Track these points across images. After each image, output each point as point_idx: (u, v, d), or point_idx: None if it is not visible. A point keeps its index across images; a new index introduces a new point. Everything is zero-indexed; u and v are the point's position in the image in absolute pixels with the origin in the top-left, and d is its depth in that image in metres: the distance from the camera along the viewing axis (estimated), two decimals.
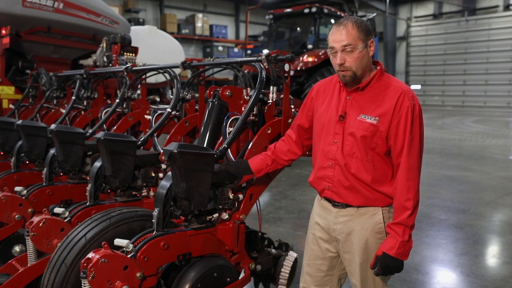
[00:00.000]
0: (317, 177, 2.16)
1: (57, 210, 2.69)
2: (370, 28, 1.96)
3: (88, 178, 2.91)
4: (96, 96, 4.61)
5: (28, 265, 2.57)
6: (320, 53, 9.95)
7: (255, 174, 2.31)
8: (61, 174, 3.32)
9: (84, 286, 1.89)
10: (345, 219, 2.09)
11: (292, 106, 2.62)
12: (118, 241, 2.07)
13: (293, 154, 2.32)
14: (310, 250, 2.27)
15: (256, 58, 2.65)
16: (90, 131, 3.64)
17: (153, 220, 2.16)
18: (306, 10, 10.84)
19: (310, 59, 9.90)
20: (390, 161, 2.02)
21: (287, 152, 2.31)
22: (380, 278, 2.10)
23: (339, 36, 1.93)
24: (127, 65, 3.94)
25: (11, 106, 5.79)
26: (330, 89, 2.15)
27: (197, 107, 3.45)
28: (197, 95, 3.45)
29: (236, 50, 23.48)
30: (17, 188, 3.13)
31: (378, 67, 2.05)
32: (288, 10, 11.59)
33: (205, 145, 2.58)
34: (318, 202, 2.25)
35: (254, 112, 2.56)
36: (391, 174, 2.03)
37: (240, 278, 2.45)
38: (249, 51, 14.68)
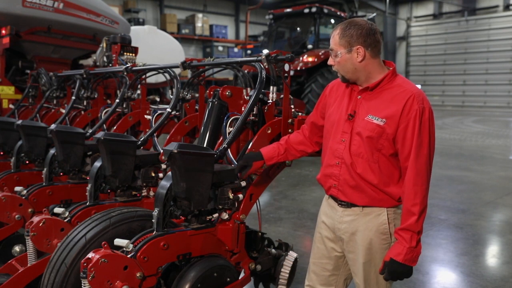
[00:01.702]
0: (324, 174, 2.16)
1: (57, 210, 2.69)
2: (361, 34, 1.94)
3: (88, 178, 2.91)
4: (96, 96, 4.61)
5: (28, 265, 2.57)
6: (320, 53, 9.95)
7: (266, 162, 2.29)
8: (61, 174, 3.32)
9: (84, 286, 1.89)
10: (350, 219, 2.09)
11: (292, 106, 2.62)
12: (118, 241, 2.07)
13: (306, 146, 2.33)
14: (316, 249, 2.28)
15: (256, 58, 2.65)
16: (90, 131, 3.64)
17: (153, 220, 2.16)
18: (306, 10, 10.83)
19: (310, 59, 9.90)
20: (397, 163, 2.00)
21: (301, 143, 2.33)
22: (384, 280, 2.08)
23: (330, 40, 2.05)
24: (127, 65, 3.94)
25: (11, 106, 5.80)
26: (343, 88, 2.16)
27: (197, 107, 3.45)
28: (197, 95, 3.46)
29: (236, 50, 23.48)
30: (17, 188, 3.13)
31: (391, 68, 2.05)
32: (288, 10, 11.58)
33: (205, 145, 2.58)
34: (326, 201, 2.25)
35: (254, 112, 2.56)
36: (398, 175, 2.02)
37: (240, 278, 2.45)
38: (249, 51, 14.67)
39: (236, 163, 2.43)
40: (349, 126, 2.05)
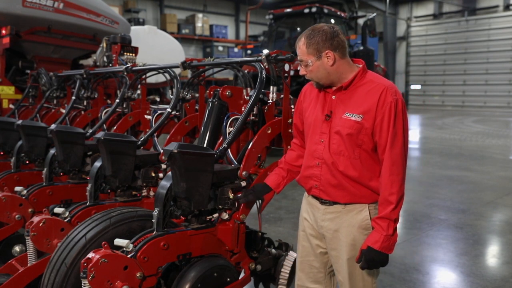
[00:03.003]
0: (304, 176, 2.19)
1: (57, 210, 2.69)
2: (327, 38, 1.97)
3: (88, 178, 2.91)
4: (96, 96, 4.61)
5: (28, 265, 2.57)
6: None
7: (275, 190, 2.34)
8: (61, 174, 3.32)
9: (84, 286, 1.89)
10: (332, 216, 2.12)
11: (292, 106, 2.62)
12: (118, 241, 2.07)
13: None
14: (302, 247, 2.30)
15: (256, 58, 2.65)
16: (90, 131, 3.65)
17: (153, 220, 2.16)
18: (306, 10, 10.83)
19: None
20: (378, 157, 2.05)
21: (297, 158, 2.33)
22: (369, 275, 2.12)
23: (297, 50, 2.07)
24: (127, 65, 3.94)
25: (11, 106, 5.80)
26: (316, 91, 2.18)
27: (197, 107, 3.45)
28: (197, 95, 3.46)
29: (236, 50, 23.44)
30: (17, 188, 3.13)
31: (360, 66, 2.08)
32: (288, 10, 11.58)
33: (205, 145, 2.58)
34: (306, 199, 2.28)
35: (254, 112, 2.56)
36: (379, 169, 2.05)
37: (240, 278, 2.45)
38: (249, 51, 14.65)
39: (236, 163, 2.44)
40: (327, 126, 2.08)
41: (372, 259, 1.97)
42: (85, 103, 4.61)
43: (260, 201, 2.40)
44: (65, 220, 2.64)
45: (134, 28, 10.15)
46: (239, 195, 2.35)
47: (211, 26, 24.11)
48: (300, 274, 2.32)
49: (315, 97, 2.17)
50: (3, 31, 6.09)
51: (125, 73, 3.93)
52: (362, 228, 2.07)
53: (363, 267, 2.01)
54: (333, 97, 2.08)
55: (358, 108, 1.99)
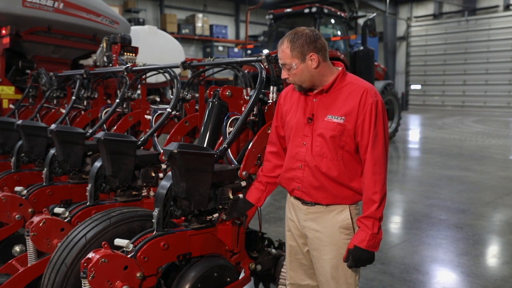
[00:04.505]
0: (286, 178, 2.19)
1: (57, 210, 2.69)
2: (310, 41, 1.97)
3: (88, 178, 2.91)
4: (96, 96, 4.61)
5: (28, 265, 2.58)
6: None
7: (256, 204, 2.34)
8: (61, 174, 3.32)
9: (84, 286, 1.89)
10: (314, 216, 2.14)
11: None
12: (118, 241, 2.07)
13: (281, 168, 2.30)
14: (290, 247, 2.31)
15: (256, 58, 2.66)
16: (90, 131, 3.65)
17: (153, 220, 2.17)
18: (306, 10, 10.84)
19: None
20: (360, 158, 2.07)
21: (274, 168, 2.31)
22: (352, 275, 2.13)
23: (279, 54, 2.07)
24: (127, 65, 3.94)
25: (11, 106, 5.80)
26: (297, 94, 2.19)
27: (197, 107, 3.45)
28: (197, 95, 3.46)
29: (236, 50, 23.44)
30: (17, 188, 3.13)
31: (340, 68, 2.09)
32: (288, 10, 11.58)
33: (205, 145, 2.58)
34: (289, 200, 2.29)
35: (254, 112, 2.56)
36: (361, 170, 2.07)
37: (240, 278, 2.45)
38: (249, 51, 14.65)
39: (236, 163, 2.44)
40: (309, 129, 2.09)
41: (359, 258, 2.00)
42: (85, 103, 4.61)
43: (244, 216, 2.40)
44: (65, 220, 2.64)
45: (134, 28, 10.15)
46: (239, 195, 2.35)
47: (211, 26, 24.11)
48: (291, 273, 2.33)
49: (296, 101, 2.18)
50: (3, 31, 6.10)
51: (125, 73, 3.93)
52: (343, 228, 2.09)
53: (351, 266, 2.03)
54: (315, 100, 2.10)
55: (340, 110, 2.02)
